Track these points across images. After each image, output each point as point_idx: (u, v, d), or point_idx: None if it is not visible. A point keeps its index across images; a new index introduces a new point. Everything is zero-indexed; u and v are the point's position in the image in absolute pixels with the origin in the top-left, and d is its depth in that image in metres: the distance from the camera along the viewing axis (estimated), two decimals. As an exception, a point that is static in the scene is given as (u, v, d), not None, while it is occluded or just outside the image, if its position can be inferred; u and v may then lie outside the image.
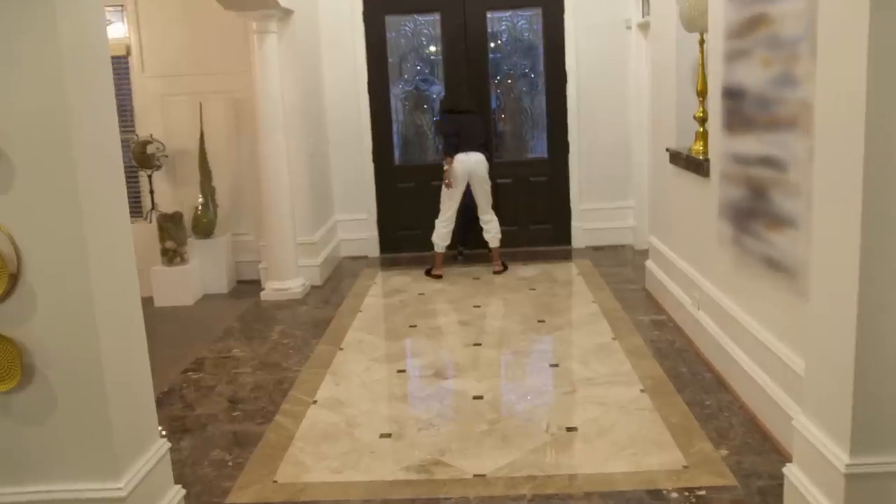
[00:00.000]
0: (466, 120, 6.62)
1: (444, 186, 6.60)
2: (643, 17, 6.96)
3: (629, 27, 7.20)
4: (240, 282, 7.01)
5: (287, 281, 6.31)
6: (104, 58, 2.59)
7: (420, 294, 6.23)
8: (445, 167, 6.50)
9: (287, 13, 6.24)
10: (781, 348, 3.47)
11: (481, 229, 6.79)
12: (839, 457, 2.49)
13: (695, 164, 4.67)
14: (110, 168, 2.60)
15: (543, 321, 5.38)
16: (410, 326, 5.44)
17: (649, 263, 5.93)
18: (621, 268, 6.78)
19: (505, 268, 6.77)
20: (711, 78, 4.36)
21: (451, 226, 6.67)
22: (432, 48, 7.47)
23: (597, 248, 7.47)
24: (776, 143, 3.48)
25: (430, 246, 6.81)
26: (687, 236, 4.99)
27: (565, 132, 7.44)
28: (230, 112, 6.89)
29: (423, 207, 7.30)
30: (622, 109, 7.38)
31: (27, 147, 2.36)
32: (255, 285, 6.74)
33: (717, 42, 4.22)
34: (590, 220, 7.54)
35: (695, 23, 4.65)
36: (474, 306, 5.83)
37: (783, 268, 3.45)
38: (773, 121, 3.51)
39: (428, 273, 6.73)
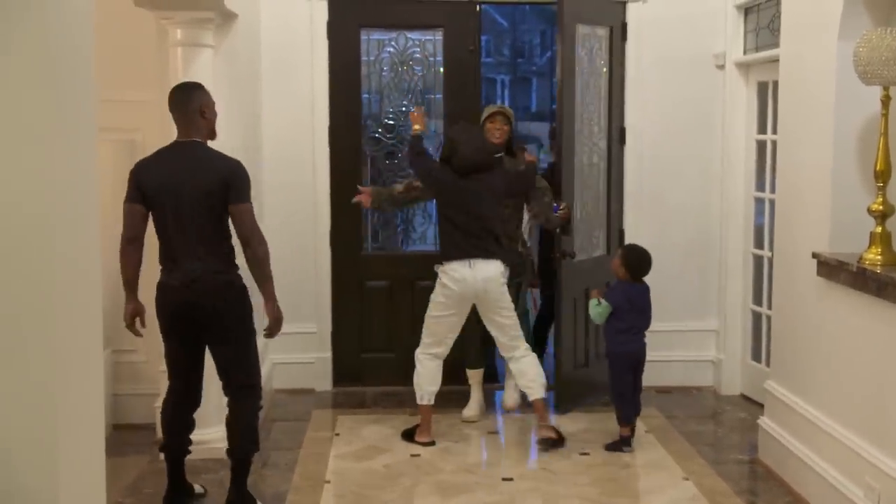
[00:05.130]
0: (474, 197, 6.03)
1: (433, 303, 6.12)
2: (746, 52, 7.04)
3: (721, 66, 7.28)
4: (120, 427, 6.61)
5: (207, 428, 5.92)
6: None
7: (414, 455, 6.12)
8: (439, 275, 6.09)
9: (228, 19, 6.11)
10: None
11: None
12: None
13: (876, 283, 4.60)
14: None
15: (620, 510, 5.34)
16: (417, 514, 5.34)
17: (766, 423, 5.94)
18: (706, 423, 6.87)
19: (559, 438, 6.19)
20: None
21: (442, 358, 6.21)
22: (430, 79, 7.47)
23: (661, 391, 7.44)
24: None
25: (411, 381, 6.53)
26: (855, 392, 4.92)
27: (619, 217, 7.44)
28: (122, 162, 6.47)
29: (404, 318, 7.33)
30: (705, 187, 7.43)
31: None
32: (146, 432, 6.40)
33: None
34: (650, 348, 7.32)
35: (880, 71, 4.60)
36: (504, 479, 5.75)
37: None
38: None
39: (408, 436, 6.31)
